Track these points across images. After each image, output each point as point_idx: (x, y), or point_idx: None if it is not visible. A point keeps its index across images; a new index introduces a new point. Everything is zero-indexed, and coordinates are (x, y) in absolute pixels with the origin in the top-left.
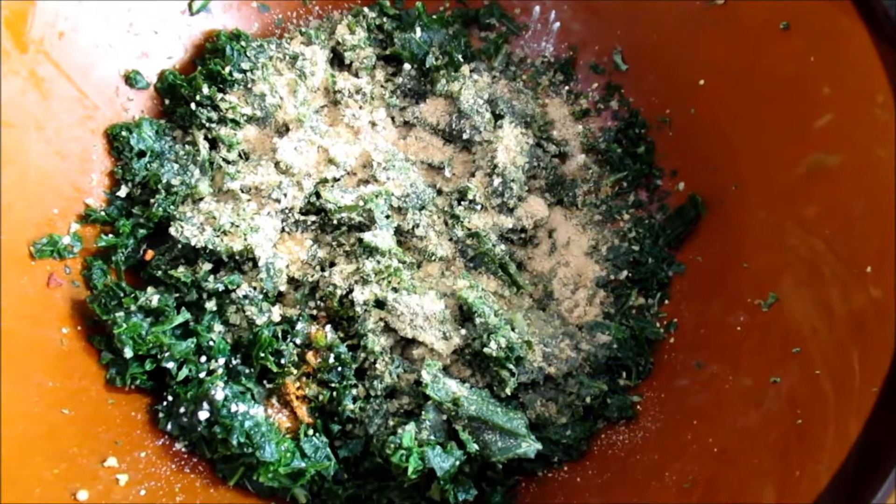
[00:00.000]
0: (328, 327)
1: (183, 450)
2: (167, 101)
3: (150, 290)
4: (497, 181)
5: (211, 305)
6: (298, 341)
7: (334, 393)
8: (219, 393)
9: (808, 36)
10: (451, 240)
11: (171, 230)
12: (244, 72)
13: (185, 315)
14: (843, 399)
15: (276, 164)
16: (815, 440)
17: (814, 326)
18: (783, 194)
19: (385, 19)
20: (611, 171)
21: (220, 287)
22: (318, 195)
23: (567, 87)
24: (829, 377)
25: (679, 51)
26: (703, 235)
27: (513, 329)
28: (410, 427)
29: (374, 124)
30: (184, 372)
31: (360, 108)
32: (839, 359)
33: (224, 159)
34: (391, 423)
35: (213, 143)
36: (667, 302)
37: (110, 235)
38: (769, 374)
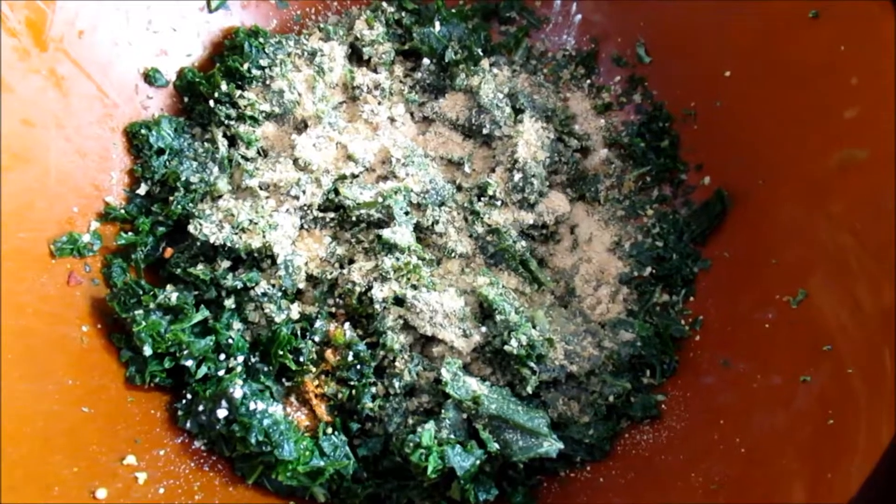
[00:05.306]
0: (347, 325)
1: (202, 448)
2: (186, 99)
3: (169, 287)
4: (517, 176)
5: (230, 303)
6: (317, 339)
7: (353, 391)
8: (237, 391)
9: (839, 24)
10: (470, 236)
11: (190, 228)
12: (262, 68)
13: (203, 313)
14: (875, 399)
15: (295, 161)
16: (846, 441)
17: (844, 323)
18: (812, 188)
19: (404, 14)
20: (634, 165)
21: (239, 284)
22: (336, 192)
23: (589, 81)
24: (862, 376)
25: (704, 41)
26: (730, 231)
27: (534, 326)
28: (430, 426)
29: (392, 120)
30: (203, 370)
31: (379, 103)
32: (871, 357)
33: (243, 156)
34: (411, 421)
35: (232, 141)
36: (692, 299)
37: (130, 233)
38: (799, 373)
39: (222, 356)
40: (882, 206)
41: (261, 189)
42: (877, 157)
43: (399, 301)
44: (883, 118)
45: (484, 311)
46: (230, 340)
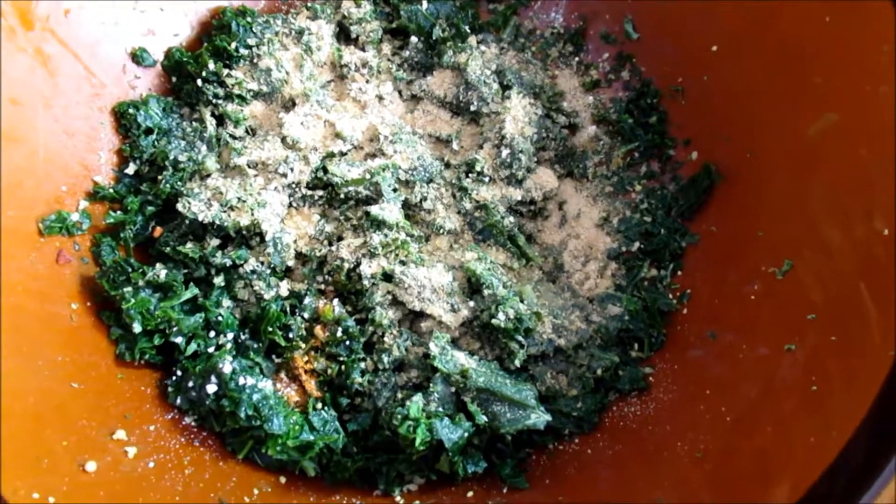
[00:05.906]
0: (336, 301)
1: (192, 424)
2: (174, 79)
3: (158, 265)
4: (505, 152)
5: (219, 281)
6: (306, 315)
7: (342, 367)
8: (227, 366)
9: None
10: (459, 212)
11: (179, 206)
12: (250, 47)
13: (193, 290)
14: (859, 365)
15: (283, 139)
16: (829, 407)
17: (829, 292)
18: (798, 160)
19: None
20: (622, 141)
21: (228, 262)
22: (325, 169)
23: (577, 58)
24: (845, 343)
25: (691, 16)
26: (718, 205)
27: (522, 301)
28: (418, 398)
29: (380, 98)
30: (192, 347)
31: (367, 81)
32: (856, 324)
33: (231, 135)
34: (399, 395)
35: (220, 120)
36: (680, 273)
37: (119, 212)
38: (784, 342)
39: (212, 333)
40: (866, 176)
41: (249, 167)
42: (859, 127)
43: (387, 277)
44: (867, 90)
45: (472, 286)
46: (220, 318)
